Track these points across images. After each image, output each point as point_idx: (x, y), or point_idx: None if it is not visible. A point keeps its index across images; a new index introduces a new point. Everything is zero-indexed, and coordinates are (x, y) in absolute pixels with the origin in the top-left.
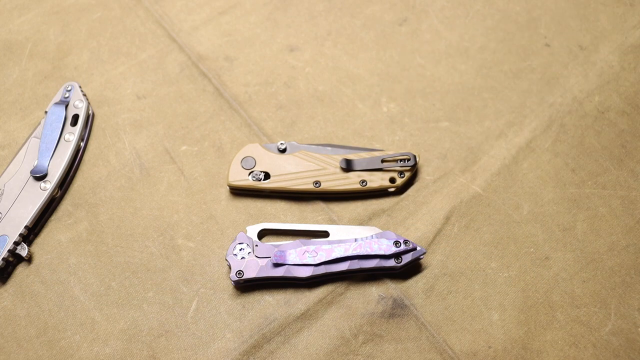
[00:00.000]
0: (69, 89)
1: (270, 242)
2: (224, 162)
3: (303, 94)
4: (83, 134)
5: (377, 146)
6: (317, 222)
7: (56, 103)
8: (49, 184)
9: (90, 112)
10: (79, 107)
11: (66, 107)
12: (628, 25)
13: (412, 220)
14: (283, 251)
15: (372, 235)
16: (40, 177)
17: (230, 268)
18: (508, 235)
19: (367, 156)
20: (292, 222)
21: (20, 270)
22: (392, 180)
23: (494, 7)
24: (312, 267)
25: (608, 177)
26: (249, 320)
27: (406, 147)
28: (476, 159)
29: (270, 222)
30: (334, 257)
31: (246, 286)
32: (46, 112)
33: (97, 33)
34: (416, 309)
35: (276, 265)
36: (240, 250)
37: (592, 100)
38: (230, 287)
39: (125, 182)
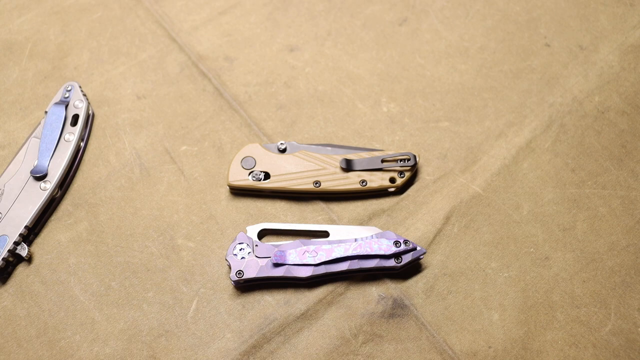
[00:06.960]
0: (69, 89)
1: (270, 242)
2: (224, 162)
3: (303, 94)
4: (83, 134)
5: (377, 146)
6: (317, 222)
7: (56, 103)
8: (49, 184)
9: (90, 112)
10: (79, 107)
11: (66, 107)
12: (628, 25)
13: (412, 220)
14: (283, 251)
15: (372, 235)
16: (40, 177)
17: (230, 268)
18: (508, 235)
19: (367, 156)
20: (292, 222)
21: (20, 270)
22: (392, 180)
23: (494, 7)
24: (312, 267)
25: (608, 177)
26: (249, 320)
27: (406, 147)
28: (476, 159)
29: (270, 222)
30: (334, 257)
31: (246, 286)
32: (46, 112)
33: (97, 33)
34: (416, 309)
35: (276, 265)
36: (240, 250)
37: (592, 100)
38: (230, 287)
39: (125, 182)
